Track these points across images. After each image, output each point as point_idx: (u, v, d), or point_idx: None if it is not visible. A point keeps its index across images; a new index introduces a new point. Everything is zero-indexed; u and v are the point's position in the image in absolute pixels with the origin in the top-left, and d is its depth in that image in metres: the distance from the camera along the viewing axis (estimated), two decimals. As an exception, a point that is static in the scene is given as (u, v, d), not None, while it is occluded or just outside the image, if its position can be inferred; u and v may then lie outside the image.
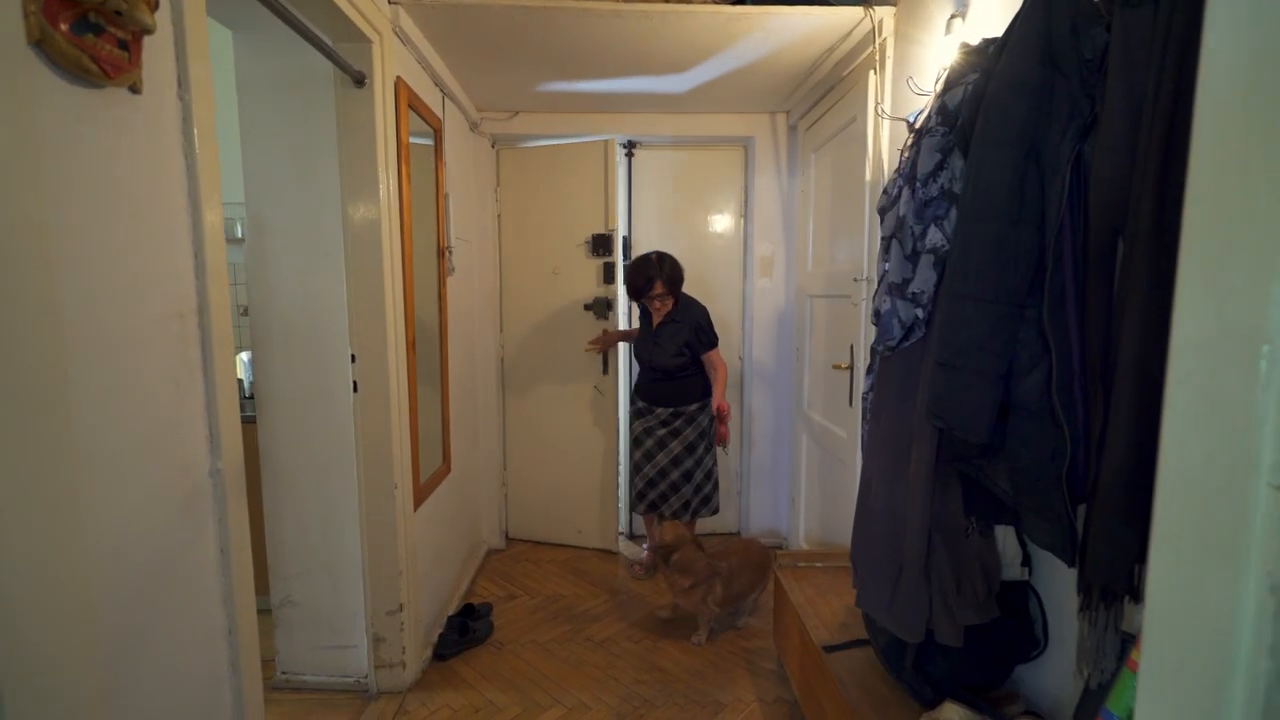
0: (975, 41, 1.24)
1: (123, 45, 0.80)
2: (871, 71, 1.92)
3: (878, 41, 1.87)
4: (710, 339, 2.49)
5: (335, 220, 1.78)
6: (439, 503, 2.29)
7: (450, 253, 2.41)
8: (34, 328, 0.58)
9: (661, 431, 2.54)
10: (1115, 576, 0.87)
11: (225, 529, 1.05)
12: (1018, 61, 1.01)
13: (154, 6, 0.82)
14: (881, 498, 1.32)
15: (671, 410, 2.54)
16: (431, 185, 2.24)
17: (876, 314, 1.34)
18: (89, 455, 0.78)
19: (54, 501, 0.58)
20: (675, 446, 2.52)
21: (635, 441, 2.63)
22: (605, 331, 2.76)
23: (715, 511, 2.62)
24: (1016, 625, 1.25)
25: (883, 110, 1.84)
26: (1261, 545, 0.50)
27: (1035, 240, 0.98)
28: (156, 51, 0.90)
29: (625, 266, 2.57)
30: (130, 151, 0.87)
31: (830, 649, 1.54)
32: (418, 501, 2.03)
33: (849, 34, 1.97)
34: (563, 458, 3.02)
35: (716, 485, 2.63)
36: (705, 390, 2.54)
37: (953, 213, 1.15)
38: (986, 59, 1.15)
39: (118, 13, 0.76)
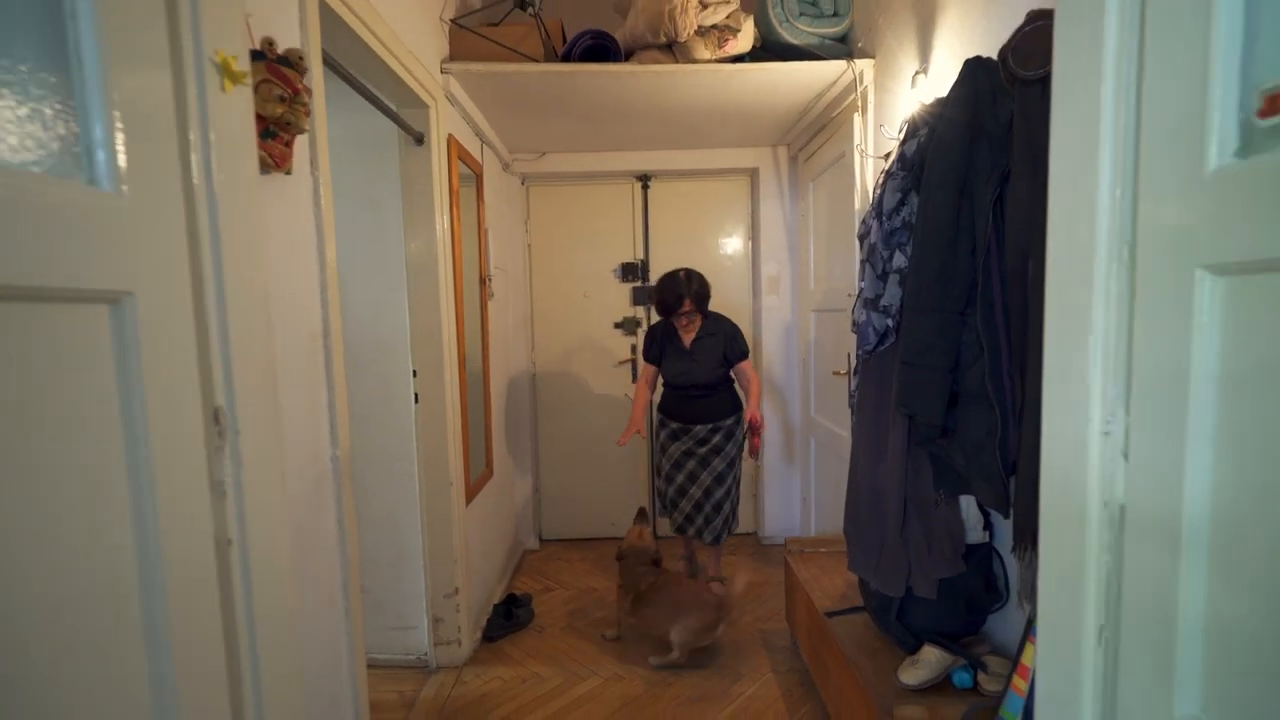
0: (929, 100, 1.52)
1: (285, 143, 1.12)
2: (856, 114, 2.21)
3: (859, 89, 2.16)
4: (744, 349, 2.52)
5: (399, 256, 2.11)
6: (484, 501, 2.58)
7: (490, 280, 2.72)
8: (264, 342, 0.87)
9: (703, 450, 2.50)
10: (1034, 521, 1.12)
11: (341, 505, 1.35)
12: (953, 122, 1.29)
13: (308, 114, 1.13)
14: (866, 477, 1.58)
15: (710, 427, 2.51)
16: (474, 221, 2.57)
17: (855, 324, 1.61)
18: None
19: (275, 465, 0.87)
20: (718, 464, 2.50)
21: (676, 464, 2.55)
22: (631, 419, 2.57)
23: (733, 531, 2.63)
24: (982, 581, 1.49)
25: (864, 150, 2.12)
26: (1099, 473, 0.77)
27: (970, 262, 1.25)
28: (298, 143, 1.22)
29: (654, 285, 2.53)
30: (285, 214, 1.19)
31: (831, 614, 1.78)
32: (468, 499, 2.32)
33: (835, 82, 2.26)
34: (595, 459, 3.31)
35: (737, 502, 2.63)
36: (737, 403, 2.57)
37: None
38: (935, 116, 1.42)
39: (288, 123, 1.08)
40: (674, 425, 2.58)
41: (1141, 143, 0.71)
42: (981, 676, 1.39)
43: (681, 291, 2.42)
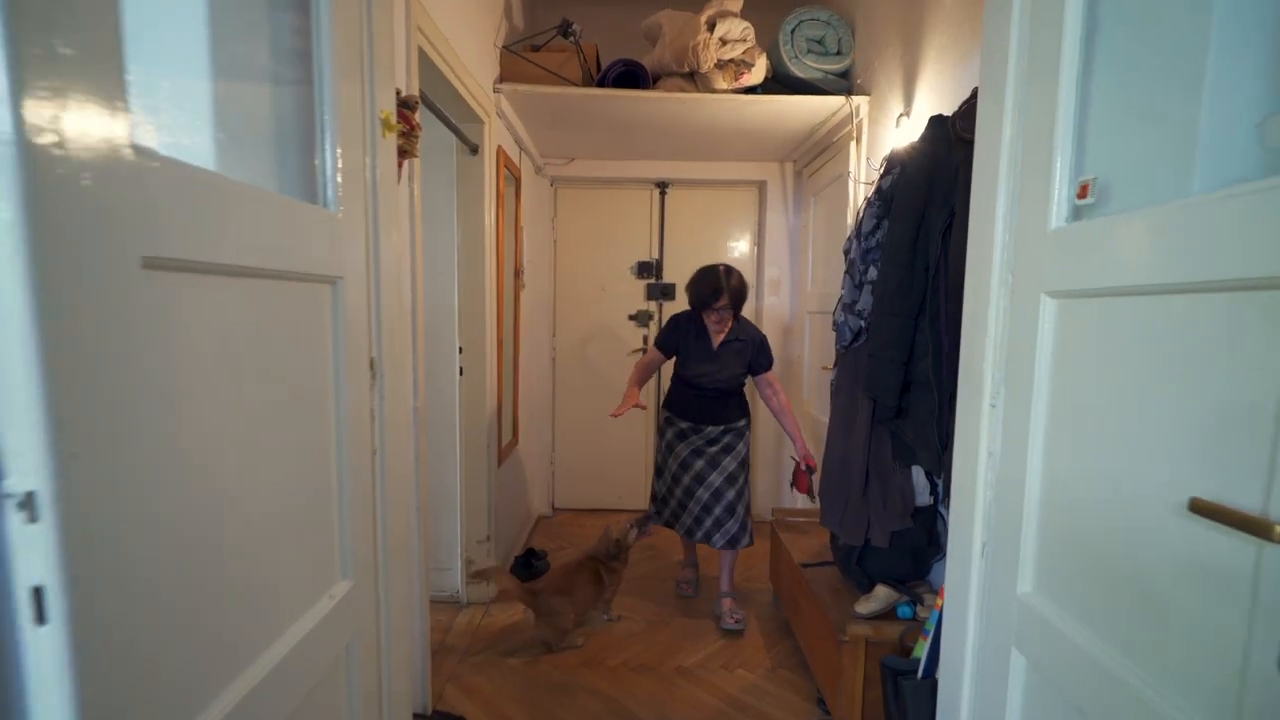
0: (905, 143, 1.85)
1: (399, 165, 1.47)
2: (852, 143, 2.54)
3: (855, 121, 2.49)
4: (771, 359, 2.46)
5: (450, 248, 2.45)
6: (511, 466, 2.94)
7: (523, 272, 3.07)
8: (399, 312, 1.22)
9: (713, 450, 2.43)
10: (958, 479, 1.46)
11: (416, 445, 1.70)
12: (917, 167, 1.63)
13: (417, 142, 1.48)
14: (838, 448, 1.92)
15: (723, 428, 2.45)
16: (512, 220, 2.91)
17: (835, 324, 1.95)
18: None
19: (403, 401, 1.22)
20: (730, 463, 2.42)
21: (683, 465, 2.47)
22: (627, 395, 2.45)
23: (750, 541, 2.47)
24: (926, 536, 1.83)
25: (856, 178, 2.46)
26: (985, 434, 1.11)
27: (923, 279, 1.59)
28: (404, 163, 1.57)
29: (691, 278, 2.43)
30: (401, 210, 1.54)
31: (805, 565, 2.13)
32: (499, 461, 2.67)
33: (835, 113, 2.60)
34: (605, 438, 3.66)
35: (748, 505, 2.50)
36: (747, 406, 2.55)
37: (882, 258, 1.76)
38: (906, 158, 1.76)
39: (404, 151, 1.42)
40: (682, 425, 2.49)
41: (1020, 204, 1.06)
42: (919, 609, 1.74)
43: (720, 286, 2.32)
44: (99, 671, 0.55)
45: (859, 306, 1.82)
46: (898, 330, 1.63)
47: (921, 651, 1.48)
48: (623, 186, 3.61)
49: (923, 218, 1.60)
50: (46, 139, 0.49)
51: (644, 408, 2.64)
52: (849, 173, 2.51)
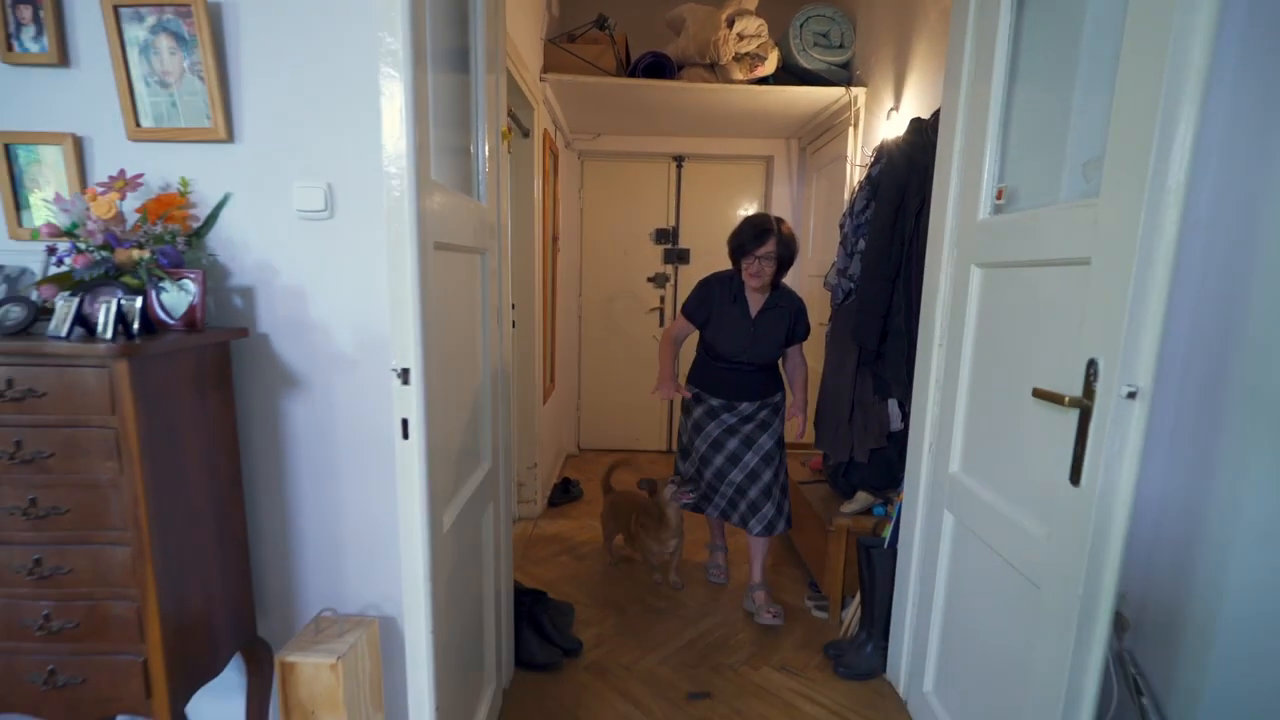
0: (892, 136, 2.26)
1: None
2: (850, 128, 2.93)
3: (853, 110, 2.88)
4: (808, 327, 2.25)
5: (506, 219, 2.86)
6: (551, 406, 3.42)
7: (559, 238, 3.49)
8: (531, 268, 1.67)
9: (748, 428, 2.23)
10: (919, 403, 1.94)
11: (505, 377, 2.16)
12: (899, 159, 2.04)
13: (507, 134, 1.89)
14: (831, 385, 2.39)
15: (759, 403, 2.24)
16: (551, 192, 3.31)
17: (828, 285, 2.40)
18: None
19: (536, 338, 1.67)
20: (766, 441, 2.23)
21: (714, 445, 2.25)
22: (661, 376, 2.23)
23: (789, 524, 2.28)
24: (898, 454, 2.32)
25: (853, 160, 2.86)
26: (934, 367, 1.59)
27: (900, 251, 2.03)
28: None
29: (736, 227, 2.16)
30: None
31: (803, 483, 2.63)
32: (543, 401, 3.15)
33: (836, 101, 2.98)
34: (625, 387, 4.13)
35: (786, 489, 2.29)
36: (781, 378, 2.34)
37: (870, 232, 2.20)
38: (891, 149, 2.17)
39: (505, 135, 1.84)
40: (713, 402, 2.25)
41: (962, 200, 1.51)
42: (889, 508, 2.24)
43: (769, 227, 2.07)
44: (430, 463, 1.02)
45: (850, 272, 2.26)
46: (880, 291, 2.07)
47: (887, 533, 1.99)
48: (643, 160, 3.99)
49: (901, 202, 2.03)
50: (415, 184, 0.93)
51: (689, 396, 2.31)
52: (846, 155, 2.91)
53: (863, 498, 2.29)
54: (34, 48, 1.19)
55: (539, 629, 1.99)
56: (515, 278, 2.89)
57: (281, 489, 1.37)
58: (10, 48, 1.19)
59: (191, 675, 1.16)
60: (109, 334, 1.01)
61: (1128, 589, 1.41)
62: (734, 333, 2.18)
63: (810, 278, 3.60)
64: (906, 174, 2.02)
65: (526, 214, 2.86)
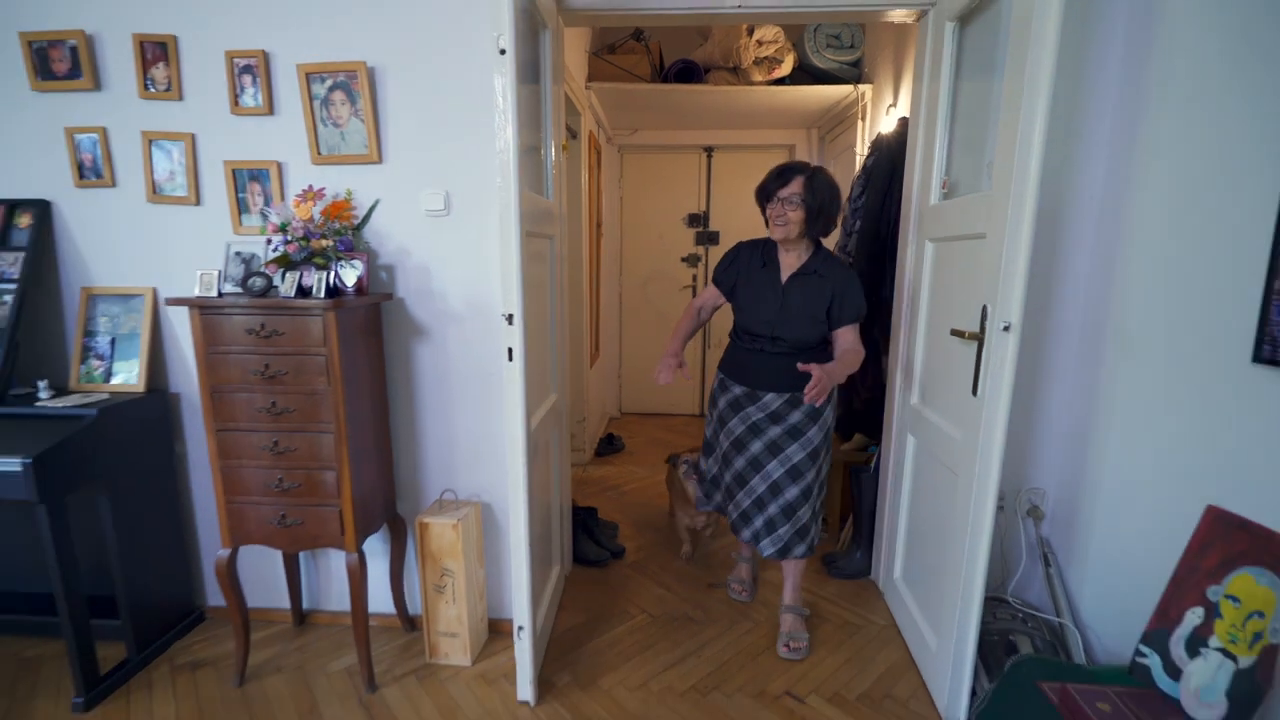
0: (888, 129, 2.65)
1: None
2: (860, 120, 3.31)
3: (860, 105, 3.26)
4: (859, 306, 1.79)
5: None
6: (596, 370, 3.94)
7: (602, 224, 3.98)
8: (583, 252, 2.17)
9: (775, 431, 1.85)
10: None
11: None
12: (887, 153, 2.44)
13: (566, 146, 2.39)
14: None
15: (787, 399, 1.85)
16: (594, 183, 3.80)
17: (834, 260, 2.82)
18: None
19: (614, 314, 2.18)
20: (795, 452, 1.84)
21: (736, 444, 1.92)
22: (667, 351, 1.97)
23: (810, 551, 1.93)
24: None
25: (860, 151, 3.24)
26: (899, 325, 2.02)
27: (886, 229, 2.43)
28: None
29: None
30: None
31: (811, 430, 3.08)
32: (590, 364, 3.67)
33: (846, 97, 3.35)
34: (660, 357, 4.62)
35: (820, 513, 1.95)
36: None
37: (864, 215, 2.61)
38: (883, 144, 2.57)
39: (564, 149, 2.34)
40: (736, 391, 1.93)
41: (922, 186, 1.93)
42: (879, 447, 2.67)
43: (795, 167, 1.81)
44: (526, 379, 1.54)
45: (849, 249, 2.68)
46: (869, 263, 2.49)
47: (872, 463, 2.43)
48: (677, 151, 4.42)
49: (888, 189, 2.43)
50: (521, 197, 1.44)
51: (689, 378, 1.98)
52: (854, 146, 3.30)
53: (859, 439, 2.73)
54: (251, 103, 1.74)
55: (591, 535, 2.52)
56: (569, 260, 3.40)
57: (412, 409, 1.92)
58: (236, 103, 1.74)
59: (365, 526, 1.73)
60: (323, 294, 1.56)
61: (1045, 488, 1.84)
62: (759, 301, 1.85)
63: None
64: (892, 166, 2.42)
65: (576, 204, 3.35)
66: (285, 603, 2.06)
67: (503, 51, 1.36)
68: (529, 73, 1.74)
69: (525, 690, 1.70)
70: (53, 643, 1.94)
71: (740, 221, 4.17)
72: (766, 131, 4.27)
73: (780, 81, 3.35)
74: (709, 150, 4.44)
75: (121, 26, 1.74)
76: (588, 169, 3.39)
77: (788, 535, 1.88)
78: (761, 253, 1.90)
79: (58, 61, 1.75)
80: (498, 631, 2.03)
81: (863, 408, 2.73)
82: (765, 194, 1.84)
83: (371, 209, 1.80)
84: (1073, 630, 1.65)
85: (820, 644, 1.99)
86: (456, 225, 1.80)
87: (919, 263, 1.95)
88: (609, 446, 3.88)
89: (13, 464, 1.49)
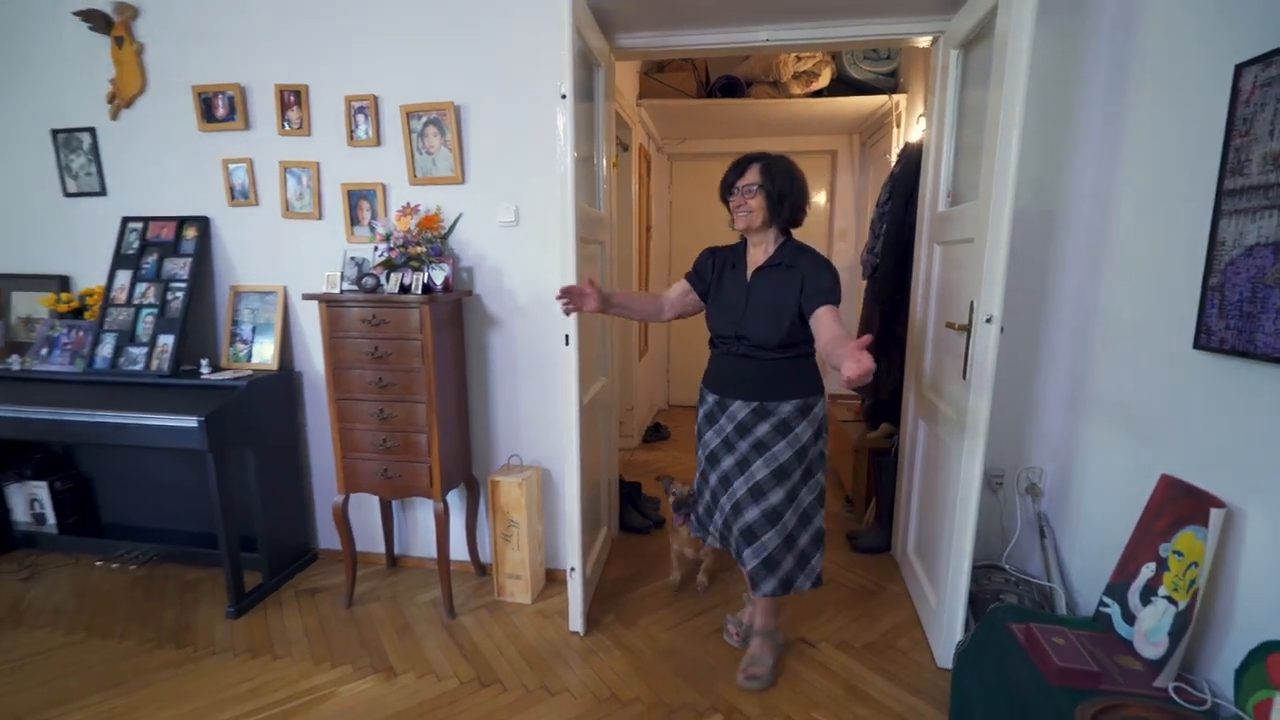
0: (915, 139, 2.85)
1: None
2: (895, 127, 3.49)
3: (895, 114, 3.44)
4: (825, 287, 1.61)
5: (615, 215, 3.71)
6: (645, 364, 4.26)
7: (652, 228, 4.30)
8: (617, 264, 2.50)
9: (743, 445, 1.70)
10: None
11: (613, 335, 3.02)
12: (911, 161, 2.65)
13: (615, 163, 2.71)
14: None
15: (753, 408, 1.69)
16: (644, 190, 4.12)
17: (862, 262, 3.03)
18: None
19: None
20: (759, 471, 1.67)
21: (711, 458, 1.78)
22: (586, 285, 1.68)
23: (818, 582, 1.75)
24: (915, 394, 2.93)
25: (893, 156, 3.43)
26: (913, 315, 2.26)
27: (909, 233, 2.64)
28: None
29: None
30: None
31: (844, 421, 3.29)
32: (639, 358, 3.99)
33: (881, 106, 3.54)
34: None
35: (819, 541, 1.75)
36: (809, 382, 1.71)
37: (891, 219, 2.82)
38: (908, 153, 2.76)
39: (615, 163, 2.67)
40: (710, 400, 1.81)
41: (933, 195, 2.16)
42: (906, 435, 2.86)
43: (753, 158, 1.72)
44: (580, 362, 1.87)
45: (876, 250, 2.89)
46: (894, 265, 2.70)
47: (893, 449, 2.64)
48: (724, 159, 4.61)
49: (911, 195, 2.64)
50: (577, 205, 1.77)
51: (577, 307, 1.67)
52: (894, 150, 3.48)
53: (885, 427, 2.94)
54: (363, 136, 2.16)
55: (636, 506, 2.84)
56: (618, 261, 3.74)
57: (485, 386, 2.30)
58: (352, 137, 2.16)
59: (449, 480, 2.11)
60: (419, 291, 1.95)
61: (1044, 468, 2.03)
62: (727, 301, 1.74)
63: (868, 254, 4.16)
64: (915, 173, 2.62)
65: (626, 211, 3.68)
66: (380, 548, 2.48)
67: (563, 96, 1.70)
68: (583, 93, 2.07)
69: (576, 622, 2.03)
70: (207, 570, 2.43)
71: (783, 224, 4.41)
72: (809, 138, 4.48)
73: (819, 93, 3.57)
74: (754, 157, 4.66)
75: (266, 79, 2.19)
76: (638, 178, 3.72)
77: (760, 570, 1.69)
78: (733, 254, 1.82)
79: (218, 108, 2.22)
80: (553, 580, 2.38)
81: (889, 398, 2.93)
82: (726, 187, 1.77)
83: (456, 221, 2.18)
84: (1059, 591, 1.84)
85: (835, 604, 2.24)
86: (524, 234, 2.16)
87: (930, 264, 2.17)
88: (656, 434, 4.19)
89: (191, 421, 1.94)
